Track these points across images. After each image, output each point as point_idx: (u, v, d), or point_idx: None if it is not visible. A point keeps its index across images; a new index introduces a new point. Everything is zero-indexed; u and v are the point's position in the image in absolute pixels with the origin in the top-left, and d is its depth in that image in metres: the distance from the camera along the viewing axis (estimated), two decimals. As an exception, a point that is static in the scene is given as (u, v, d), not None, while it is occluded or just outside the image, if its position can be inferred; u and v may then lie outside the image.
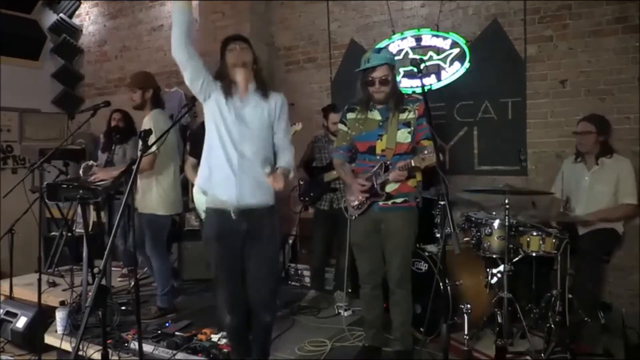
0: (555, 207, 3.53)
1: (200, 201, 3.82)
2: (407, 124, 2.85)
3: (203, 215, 3.67)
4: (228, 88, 2.58)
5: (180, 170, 4.23)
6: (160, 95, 3.84)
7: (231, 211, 2.55)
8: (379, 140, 2.87)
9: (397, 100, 2.86)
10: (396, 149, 2.84)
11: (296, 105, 5.25)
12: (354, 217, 2.99)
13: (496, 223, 3.26)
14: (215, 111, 2.58)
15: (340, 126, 3.05)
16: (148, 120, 3.61)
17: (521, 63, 4.24)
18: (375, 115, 2.90)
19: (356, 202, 2.94)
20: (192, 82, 2.55)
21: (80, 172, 4.85)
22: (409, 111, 2.86)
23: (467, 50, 4.41)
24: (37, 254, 3.91)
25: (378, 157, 2.87)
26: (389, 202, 2.87)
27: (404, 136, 2.84)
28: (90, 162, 4.87)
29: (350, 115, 2.98)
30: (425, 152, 2.62)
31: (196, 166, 3.60)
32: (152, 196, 3.66)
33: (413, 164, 2.68)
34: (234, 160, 2.54)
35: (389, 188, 2.85)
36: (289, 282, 4.72)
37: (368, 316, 3.09)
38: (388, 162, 2.82)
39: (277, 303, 2.97)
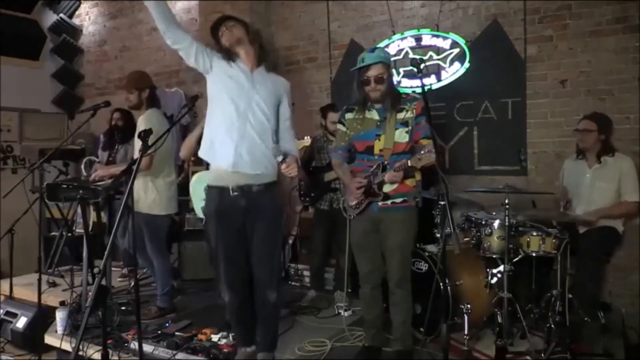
0: (556, 206, 3.53)
1: (197, 193, 3.80)
2: (404, 123, 2.85)
3: (198, 211, 3.69)
4: (232, 60, 2.62)
5: (180, 170, 4.23)
6: (156, 94, 3.81)
7: (230, 187, 2.56)
8: (377, 140, 2.87)
9: (395, 99, 2.86)
10: (394, 149, 2.84)
11: (296, 105, 5.23)
12: (352, 217, 3.00)
13: (496, 223, 3.26)
14: (219, 79, 2.61)
15: (339, 126, 3.05)
16: (143, 120, 3.61)
17: (521, 63, 4.24)
18: (374, 115, 2.90)
19: (354, 202, 2.94)
20: (189, 58, 2.62)
21: (82, 167, 4.85)
22: (407, 110, 2.85)
23: (467, 50, 4.41)
24: (37, 254, 3.91)
25: (376, 157, 2.87)
26: (388, 202, 2.87)
27: (401, 136, 2.84)
28: (92, 158, 4.88)
29: (348, 115, 2.98)
30: (422, 152, 2.60)
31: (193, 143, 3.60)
32: (148, 196, 3.66)
33: (410, 164, 2.67)
34: (236, 126, 2.56)
35: (387, 188, 2.84)
36: (289, 282, 4.73)
37: (368, 316, 3.09)
38: (386, 162, 2.82)
39: (280, 282, 2.94)
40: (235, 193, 2.59)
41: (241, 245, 2.65)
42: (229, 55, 2.62)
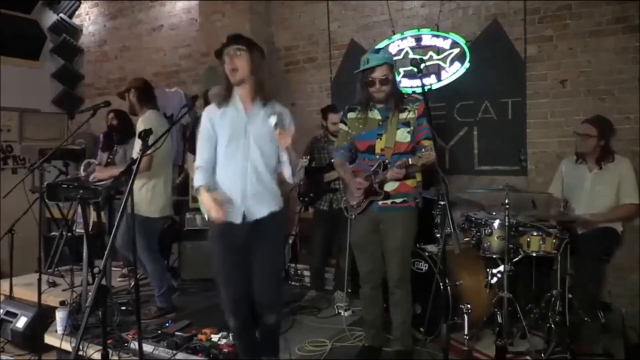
0: (555, 206, 3.53)
1: None
2: (406, 123, 2.85)
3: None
4: (226, 99, 2.57)
5: (180, 170, 4.23)
6: (148, 93, 3.77)
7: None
8: (379, 140, 2.87)
9: (397, 99, 2.87)
10: (395, 148, 2.84)
11: (296, 105, 5.26)
12: (353, 217, 3.00)
13: (496, 223, 3.26)
14: (217, 133, 2.58)
15: (341, 126, 3.06)
16: (142, 121, 3.61)
17: (521, 63, 4.24)
18: (375, 114, 2.90)
19: (355, 201, 2.95)
20: None
21: (81, 169, 4.85)
22: (409, 111, 2.86)
23: (467, 50, 4.41)
24: (37, 254, 3.91)
25: (377, 157, 2.88)
26: (388, 202, 2.87)
27: (403, 136, 2.85)
28: (91, 160, 4.88)
29: (351, 115, 2.99)
30: (423, 150, 2.65)
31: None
32: (142, 198, 3.65)
33: (410, 162, 2.69)
34: (237, 175, 2.55)
35: (388, 187, 2.85)
36: (289, 282, 4.72)
37: (368, 316, 3.09)
38: (387, 161, 2.82)
39: (281, 304, 2.98)
40: (239, 221, 2.57)
41: (243, 270, 2.63)
42: (225, 98, 2.58)
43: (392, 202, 2.88)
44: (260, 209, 2.58)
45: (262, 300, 2.65)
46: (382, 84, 2.80)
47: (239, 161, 2.55)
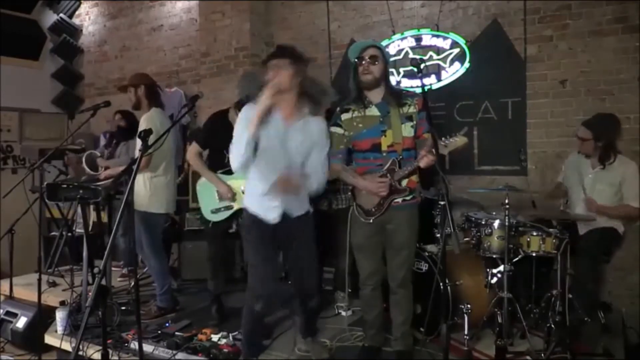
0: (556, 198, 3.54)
1: (206, 199, 3.74)
2: (409, 117, 2.81)
3: (207, 214, 3.64)
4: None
5: (180, 170, 4.23)
6: (155, 91, 3.80)
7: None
8: (384, 136, 2.79)
9: (396, 94, 2.84)
10: (404, 144, 2.79)
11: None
12: (371, 220, 2.86)
13: (496, 223, 3.25)
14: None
15: (335, 129, 2.88)
16: (144, 120, 3.61)
17: (521, 63, 4.24)
18: (374, 111, 2.82)
19: (373, 204, 2.85)
20: None
21: (83, 160, 4.86)
22: (409, 105, 2.81)
23: (467, 50, 4.41)
24: (37, 254, 3.91)
25: (384, 154, 2.80)
26: (399, 200, 2.82)
27: (408, 130, 2.80)
28: (94, 152, 4.90)
29: (345, 116, 2.87)
30: (449, 137, 2.64)
31: (201, 154, 3.61)
32: (145, 194, 3.65)
33: (434, 152, 2.57)
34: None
35: (404, 184, 2.80)
36: (289, 281, 4.71)
37: (368, 316, 3.08)
38: (400, 157, 2.76)
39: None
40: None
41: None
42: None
43: (403, 200, 2.82)
44: (295, 210, 2.80)
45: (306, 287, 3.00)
46: (370, 63, 2.75)
47: (279, 168, 2.71)
